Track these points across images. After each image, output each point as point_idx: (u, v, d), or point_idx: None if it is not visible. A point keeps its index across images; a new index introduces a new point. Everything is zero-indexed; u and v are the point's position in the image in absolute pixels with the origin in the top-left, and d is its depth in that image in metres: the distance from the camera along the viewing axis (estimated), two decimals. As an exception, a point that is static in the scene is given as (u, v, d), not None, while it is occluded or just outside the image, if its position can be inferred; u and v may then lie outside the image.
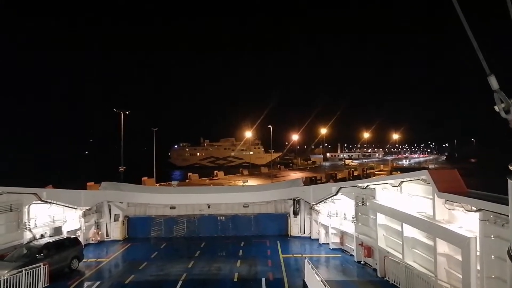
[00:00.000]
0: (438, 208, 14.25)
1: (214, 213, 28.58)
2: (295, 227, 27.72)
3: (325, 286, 12.71)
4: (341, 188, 22.89)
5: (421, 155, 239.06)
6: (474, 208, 11.98)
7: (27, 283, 16.16)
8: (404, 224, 16.37)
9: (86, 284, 17.93)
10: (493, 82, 6.07)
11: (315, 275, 14.36)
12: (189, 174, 75.24)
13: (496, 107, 6.13)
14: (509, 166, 7.24)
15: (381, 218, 18.79)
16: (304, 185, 29.52)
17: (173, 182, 37.13)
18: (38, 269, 16.73)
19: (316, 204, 25.82)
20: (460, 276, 12.48)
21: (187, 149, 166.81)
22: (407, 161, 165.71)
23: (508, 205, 9.03)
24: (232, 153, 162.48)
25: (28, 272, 16.23)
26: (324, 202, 24.69)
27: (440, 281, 13.64)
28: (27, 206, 21.00)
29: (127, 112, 48.86)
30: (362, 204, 20.77)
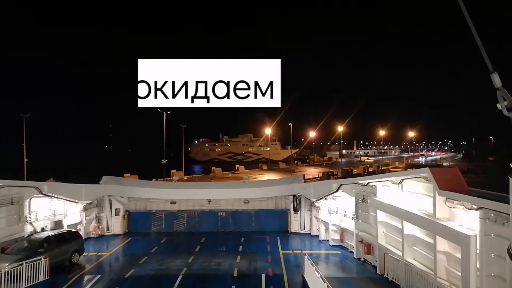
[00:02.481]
0: (439, 206, 14.23)
1: (215, 209, 28.60)
2: (295, 224, 27.73)
3: (325, 282, 12.73)
4: (341, 185, 22.87)
5: (438, 153, 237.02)
6: (474, 206, 11.96)
7: (28, 276, 16.22)
8: (404, 222, 16.35)
9: (86, 277, 18.00)
10: (496, 80, 6.04)
11: (315, 271, 14.39)
12: (212, 168, 79.56)
13: (498, 105, 6.10)
14: (510, 165, 7.21)
15: (382, 216, 18.77)
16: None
17: (173, 178, 37.27)
18: (39, 262, 16.80)
19: (316, 200, 25.81)
20: (460, 274, 12.48)
21: (206, 145, 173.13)
22: (424, 158, 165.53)
23: (509, 204, 9.01)
24: (250, 149, 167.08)
25: (28, 265, 16.30)
26: (325, 199, 24.68)
27: (440, 279, 13.64)
28: (28, 200, 21.05)
29: (168, 112, 55.59)
30: (363, 201, 20.75)
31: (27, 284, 16.11)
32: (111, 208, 27.43)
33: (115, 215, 27.44)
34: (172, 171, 61.78)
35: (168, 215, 28.27)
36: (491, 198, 11.33)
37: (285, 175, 67.87)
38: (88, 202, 25.64)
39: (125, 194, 27.91)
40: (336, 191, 23.00)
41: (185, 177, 64.31)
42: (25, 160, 46.96)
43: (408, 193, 17.25)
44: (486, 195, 12.02)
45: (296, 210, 27.70)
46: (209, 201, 28.63)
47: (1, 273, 15.32)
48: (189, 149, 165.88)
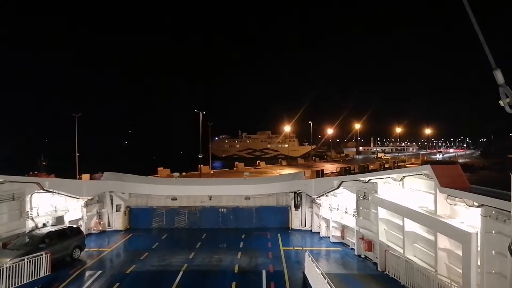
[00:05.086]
0: (440, 203, 14.20)
1: (216, 205, 28.64)
2: (296, 220, 27.75)
3: (325, 279, 12.73)
4: (343, 182, 22.85)
5: (457, 150, 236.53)
6: (476, 204, 11.93)
7: (29, 271, 16.28)
8: (405, 219, 16.35)
9: (87, 273, 18.07)
10: (499, 76, 6.01)
11: (315, 268, 14.39)
12: (236, 163, 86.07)
13: (501, 102, 6.07)
14: None
15: (383, 212, 18.77)
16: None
17: (174, 174, 37.26)
18: (40, 258, 16.86)
19: (317, 197, 25.81)
20: (461, 271, 12.48)
21: (226, 141, 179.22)
22: (441, 155, 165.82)
23: (510, 201, 8.98)
24: (269, 145, 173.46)
25: (30, 261, 16.36)
26: (326, 196, 24.67)
27: (440, 276, 13.64)
28: (29, 195, 21.10)
29: (204, 113, 64.19)
30: (364, 198, 20.74)
31: (29, 279, 16.18)
32: (112, 204, 27.49)
33: (116, 211, 27.50)
34: (200, 165, 68.34)
35: (169, 211, 28.32)
36: (493, 195, 11.29)
37: (303, 170, 71.07)
38: (89, 198, 25.70)
39: (126, 190, 27.95)
40: (337, 188, 22.99)
41: (212, 171, 72.68)
42: (77, 154, 51.80)
43: (409, 190, 17.22)
44: (487, 192, 11.98)
45: (297, 206, 27.72)
46: (210, 198, 28.67)
47: (3, 268, 15.38)
48: (210, 145, 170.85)
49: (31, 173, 48.08)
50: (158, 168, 61.86)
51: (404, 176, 17.48)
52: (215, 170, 79.83)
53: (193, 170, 70.98)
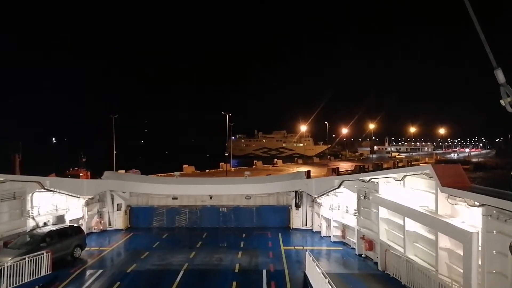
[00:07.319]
0: (441, 203, 14.18)
1: (216, 204, 28.64)
2: (297, 220, 27.74)
3: (326, 278, 12.72)
4: (343, 181, 22.83)
5: (473, 150, 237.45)
6: (477, 203, 11.90)
7: (30, 270, 16.26)
8: (406, 218, 16.33)
9: (88, 272, 18.10)
10: (500, 75, 6.00)
11: (316, 267, 14.38)
12: (254, 161, 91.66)
13: (502, 101, 6.06)
14: None
15: (383, 212, 18.74)
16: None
17: (175, 173, 37.31)
18: (41, 257, 16.81)
19: (318, 197, 25.80)
20: (461, 271, 12.47)
21: (243, 140, 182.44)
22: (456, 155, 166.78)
23: (511, 201, 8.97)
24: (284, 145, 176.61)
25: (31, 260, 16.31)
26: (326, 195, 24.66)
27: (441, 275, 13.62)
28: (30, 194, 21.14)
29: (230, 114, 72.31)
30: (365, 198, 20.71)
31: (30, 278, 16.13)
32: (113, 203, 27.51)
33: (117, 210, 27.52)
34: (221, 163, 73.81)
35: (169, 210, 28.33)
36: (494, 195, 11.27)
37: (319, 168, 75.37)
38: (90, 197, 25.72)
39: (127, 189, 27.97)
40: (338, 187, 22.96)
41: (233, 169, 77.48)
42: (114, 152, 54.79)
43: (410, 189, 17.19)
44: (488, 192, 11.96)
45: (297, 206, 27.71)
46: (211, 197, 28.67)
47: (4, 267, 15.38)
48: (226, 144, 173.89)
49: (71, 169, 48.95)
50: (184, 165, 64.85)
51: (405, 176, 17.45)
52: (235, 168, 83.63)
53: (214, 168, 75.27)
